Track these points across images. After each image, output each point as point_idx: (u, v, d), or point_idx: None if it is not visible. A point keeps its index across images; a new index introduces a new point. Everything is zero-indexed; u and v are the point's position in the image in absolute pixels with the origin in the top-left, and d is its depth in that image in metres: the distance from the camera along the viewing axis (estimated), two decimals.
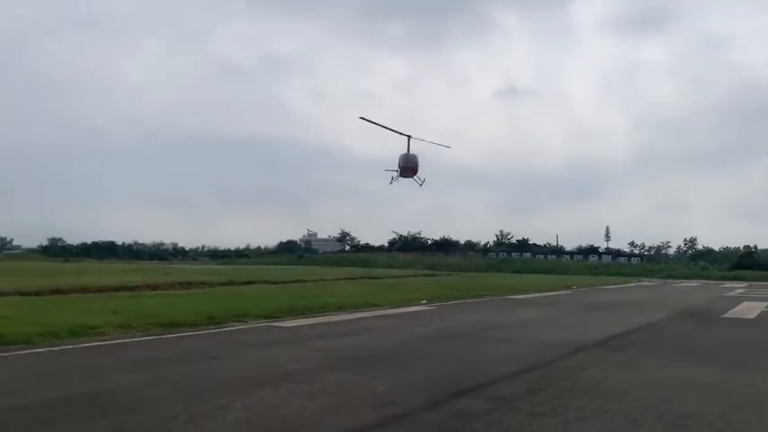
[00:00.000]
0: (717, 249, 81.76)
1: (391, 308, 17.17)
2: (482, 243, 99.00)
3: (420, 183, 35.57)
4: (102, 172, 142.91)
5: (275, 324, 12.59)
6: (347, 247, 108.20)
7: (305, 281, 31.00)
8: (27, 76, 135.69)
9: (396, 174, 35.17)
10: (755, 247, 75.23)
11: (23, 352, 8.52)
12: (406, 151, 34.11)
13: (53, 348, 8.89)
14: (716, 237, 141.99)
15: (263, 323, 12.69)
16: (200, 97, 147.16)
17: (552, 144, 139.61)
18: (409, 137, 33.67)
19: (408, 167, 34.27)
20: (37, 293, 18.43)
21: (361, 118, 34.45)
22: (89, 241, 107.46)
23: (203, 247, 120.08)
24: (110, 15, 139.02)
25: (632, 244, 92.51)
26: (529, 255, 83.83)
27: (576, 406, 5.85)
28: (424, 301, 19.48)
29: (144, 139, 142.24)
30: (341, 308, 16.31)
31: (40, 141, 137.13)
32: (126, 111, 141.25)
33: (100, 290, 20.87)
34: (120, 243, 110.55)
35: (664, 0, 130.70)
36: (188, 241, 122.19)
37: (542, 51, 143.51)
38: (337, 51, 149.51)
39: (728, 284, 41.80)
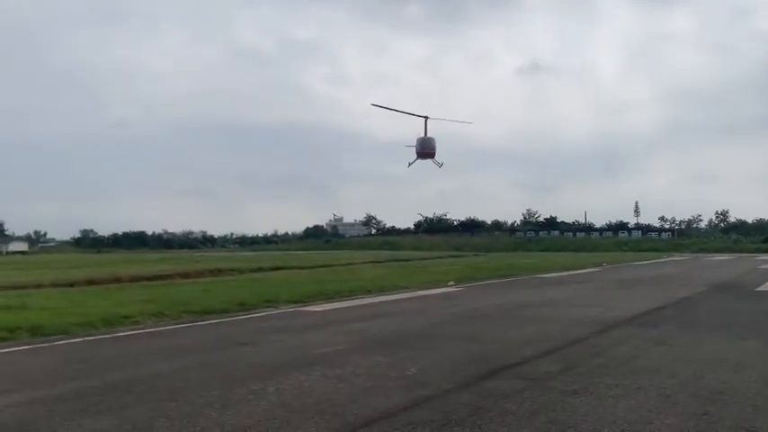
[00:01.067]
0: (750, 222, 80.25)
1: (419, 290, 17.20)
2: (509, 223, 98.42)
3: (439, 165, 35.45)
4: (130, 163, 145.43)
5: (305, 309, 12.70)
6: (373, 231, 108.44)
7: (332, 265, 31.20)
8: (53, 68, 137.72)
9: (414, 157, 35.09)
10: None
11: (61, 342, 8.72)
12: (423, 134, 33.88)
13: (89, 338, 9.09)
14: (749, 209, 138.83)
15: (292, 308, 12.81)
16: (225, 86, 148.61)
17: (577, 120, 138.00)
18: (426, 118, 33.29)
19: (425, 153, 34.10)
20: (71, 285, 18.85)
21: (374, 104, 34.77)
22: (120, 232, 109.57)
23: (232, 234, 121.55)
24: (134, 6, 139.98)
25: (662, 219, 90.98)
26: (557, 233, 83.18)
27: (609, 383, 5.81)
28: (452, 283, 19.47)
29: (171, 129, 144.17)
30: (369, 291, 16.38)
31: (69, 134, 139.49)
32: (152, 101, 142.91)
33: (132, 279, 21.27)
34: (150, 233, 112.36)
35: None
36: (217, 229, 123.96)
37: (565, 26, 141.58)
38: (358, 35, 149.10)
39: (763, 257, 41.01)
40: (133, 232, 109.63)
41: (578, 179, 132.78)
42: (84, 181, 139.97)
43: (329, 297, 14.83)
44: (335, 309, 12.79)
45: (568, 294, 16.01)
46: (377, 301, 14.51)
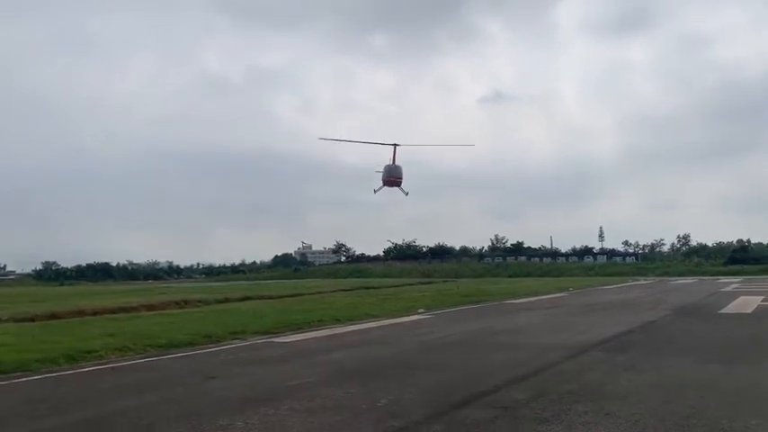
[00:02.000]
0: (710, 245, 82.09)
1: (389, 318, 17.12)
2: (477, 248, 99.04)
3: (405, 193, 35.60)
4: (94, 192, 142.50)
5: (273, 340, 12.52)
6: (343, 258, 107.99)
7: (301, 294, 30.91)
8: (14, 96, 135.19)
9: (380, 184, 35.12)
10: (749, 240, 75.69)
11: (20, 380, 8.42)
12: (391, 162, 33.93)
13: (50, 375, 8.80)
14: (709, 232, 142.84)
15: (261, 339, 12.62)
16: (191, 114, 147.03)
17: (542, 147, 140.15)
18: (395, 146, 33.31)
19: (391, 180, 34.19)
20: (32, 319, 18.28)
21: (321, 138, 35.44)
22: (83, 263, 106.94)
23: (198, 264, 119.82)
24: (98, 35, 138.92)
25: (626, 243, 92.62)
26: (524, 258, 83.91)
27: (579, 410, 5.83)
28: (422, 310, 19.44)
29: (136, 158, 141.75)
30: (338, 320, 16.26)
31: (30, 163, 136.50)
32: (117, 129, 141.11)
33: (96, 312, 20.72)
34: (114, 264, 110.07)
35: (644, 1, 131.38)
36: (183, 259, 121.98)
37: (527, 56, 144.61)
38: (325, 64, 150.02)
39: (724, 279, 41.94)
40: (97, 263, 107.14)
41: (544, 205, 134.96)
42: (45, 211, 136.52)
43: (298, 327, 14.66)
44: (305, 339, 12.64)
45: (537, 320, 16.11)
46: (347, 330, 14.40)
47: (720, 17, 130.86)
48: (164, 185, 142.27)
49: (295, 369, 8.80)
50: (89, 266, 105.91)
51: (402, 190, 34.98)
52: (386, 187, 34.76)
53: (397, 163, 34.05)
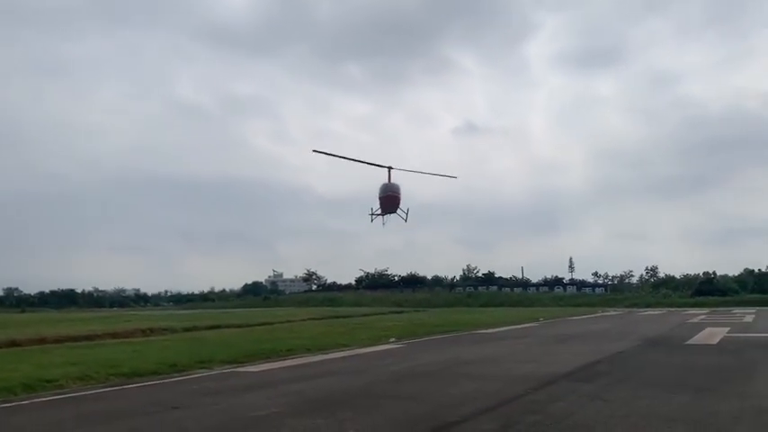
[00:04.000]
0: (678, 277, 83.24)
1: (360, 347, 16.99)
2: (449, 278, 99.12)
3: (405, 217, 32.93)
4: (60, 218, 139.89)
5: (241, 369, 12.32)
6: (314, 287, 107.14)
7: (271, 323, 30.53)
8: None
9: (377, 209, 33.08)
10: (714, 273, 76.93)
11: None
12: (387, 181, 32.00)
13: (7, 405, 8.53)
14: (676, 265, 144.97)
15: (228, 369, 12.41)
16: (161, 140, 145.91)
17: (514, 178, 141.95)
18: (390, 168, 32.16)
19: (389, 197, 32.02)
20: None
21: (315, 150, 33.03)
22: (47, 290, 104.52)
23: (166, 291, 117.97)
24: (68, 59, 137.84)
25: (596, 274, 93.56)
26: (495, 288, 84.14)
27: None
28: (393, 339, 19.34)
29: (104, 184, 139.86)
30: (308, 349, 16.07)
31: None
32: (85, 156, 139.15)
33: (58, 340, 20.23)
34: (79, 291, 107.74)
35: (612, 38, 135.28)
36: (150, 286, 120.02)
37: (500, 89, 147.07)
38: (298, 93, 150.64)
39: (691, 311, 42.53)
40: (61, 290, 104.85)
41: (515, 235, 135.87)
42: (7, 235, 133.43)
43: (267, 357, 14.46)
44: (273, 369, 12.45)
45: (507, 350, 16.11)
46: (316, 359, 14.23)
47: (686, 56, 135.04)
48: (132, 211, 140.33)
49: (261, 399, 8.64)
50: (53, 293, 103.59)
51: (402, 212, 32.92)
52: (384, 214, 32.62)
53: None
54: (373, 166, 32.41)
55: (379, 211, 32.93)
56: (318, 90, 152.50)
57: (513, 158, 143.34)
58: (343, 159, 33.11)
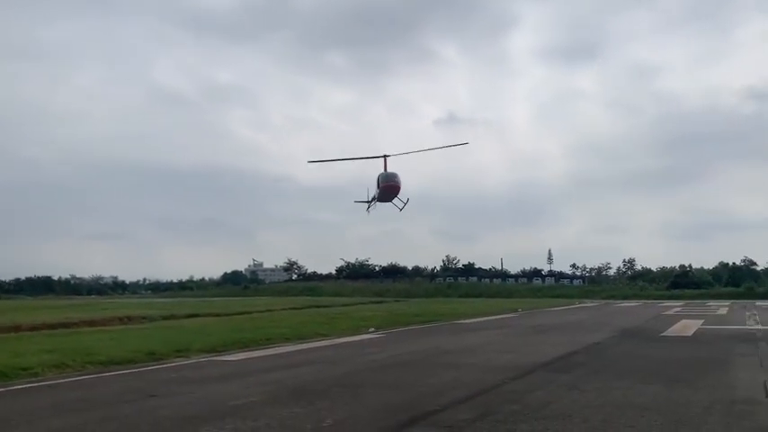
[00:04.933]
0: (654, 269, 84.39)
1: (339, 337, 17.01)
2: (429, 268, 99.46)
3: (401, 206, 32.84)
4: (36, 204, 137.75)
5: (219, 358, 12.26)
6: (294, 277, 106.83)
7: (250, 312, 30.43)
8: None
9: (374, 199, 32.88)
10: (690, 266, 78.04)
11: None
12: (383, 171, 31.82)
13: None
14: (652, 257, 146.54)
15: (206, 358, 12.35)
16: (141, 127, 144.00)
17: (494, 170, 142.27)
18: (385, 157, 32.02)
19: (390, 186, 31.82)
20: None
21: (311, 161, 33.20)
22: (23, 277, 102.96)
23: (144, 280, 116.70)
24: (46, 43, 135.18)
25: (574, 266, 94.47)
26: (475, 279, 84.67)
27: (524, 429, 5.87)
28: (372, 329, 19.38)
29: (82, 170, 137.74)
30: (288, 339, 16.05)
31: None
32: (64, 142, 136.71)
33: (34, 328, 19.97)
34: (56, 278, 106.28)
35: (593, 31, 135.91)
36: (128, 274, 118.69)
37: (482, 81, 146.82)
38: (281, 81, 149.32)
39: (666, 303, 43.19)
40: (38, 277, 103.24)
41: (495, 227, 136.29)
42: None
43: (245, 345, 14.41)
44: (251, 358, 12.41)
45: (486, 340, 16.23)
46: (295, 349, 14.21)
47: (666, 50, 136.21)
48: (110, 198, 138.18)
49: (239, 388, 8.61)
50: (29, 280, 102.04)
51: (399, 201, 32.55)
52: (381, 202, 32.38)
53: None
54: (369, 159, 32.30)
55: (374, 198, 32.86)
56: (301, 78, 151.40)
57: (494, 150, 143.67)
58: (338, 161, 33.07)
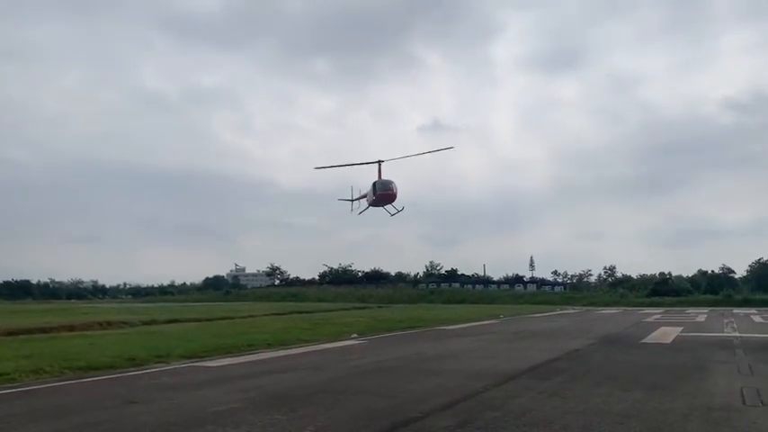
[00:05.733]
0: (635, 277, 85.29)
1: (322, 343, 16.95)
2: (412, 274, 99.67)
3: (393, 213, 33.13)
4: (15, 206, 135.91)
5: (200, 364, 12.17)
6: (277, 282, 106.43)
7: (232, 317, 30.25)
8: None
9: (362, 198, 33.06)
10: (670, 273, 79.00)
11: None
12: (378, 177, 32.13)
13: None
14: (633, 265, 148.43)
15: (186, 363, 12.24)
16: (124, 130, 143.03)
17: (477, 177, 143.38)
18: (380, 162, 32.19)
19: (386, 194, 32.09)
20: None
21: (317, 168, 33.73)
22: (0, 280, 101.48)
23: (125, 284, 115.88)
24: (28, 44, 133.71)
25: (555, 273, 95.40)
26: (458, 285, 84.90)
27: None
28: (355, 335, 19.34)
29: (61, 172, 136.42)
30: (269, 345, 15.97)
31: None
32: (45, 143, 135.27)
33: (10, 333, 19.68)
34: (34, 282, 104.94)
35: (576, 40, 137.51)
36: (109, 278, 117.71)
37: (465, 88, 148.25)
38: (265, 86, 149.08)
39: (646, 310, 43.57)
40: (15, 281, 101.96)
41: (478, 233, 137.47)
42: None
43: (227, 351, 14.31)
44: (232, 364, 12.33)
45: (468, 346, 16.27)
46: (277, 355, 14.14)
47: (647, 60, 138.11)
48: (91, 201, 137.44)
49: (220, 394, 8.55)
50: (6, 284, 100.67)
51: (393, 208, 32.81)
52: (371, 207, 32.70)
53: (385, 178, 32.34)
54: (364, 165, 32.73)
55: (363, 199, 33.18)
56: (285, 84, 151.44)
57: (478, 157, 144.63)
58: (339, 168, 33.59)
